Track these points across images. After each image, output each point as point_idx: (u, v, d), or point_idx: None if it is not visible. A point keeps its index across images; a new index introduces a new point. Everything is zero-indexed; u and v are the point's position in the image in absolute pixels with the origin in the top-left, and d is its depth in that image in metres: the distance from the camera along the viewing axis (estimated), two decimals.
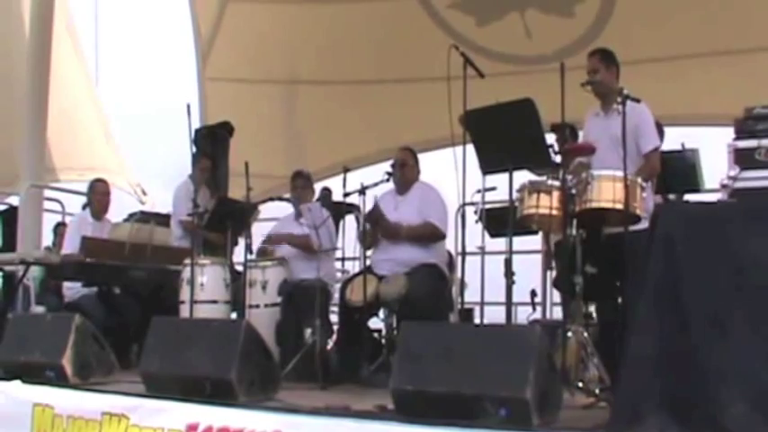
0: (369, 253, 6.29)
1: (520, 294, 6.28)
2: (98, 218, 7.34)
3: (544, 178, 4.89)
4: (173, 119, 6.99)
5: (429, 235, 5.95)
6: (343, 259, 8.07)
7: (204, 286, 6.30)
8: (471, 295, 6.41)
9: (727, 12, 8.34)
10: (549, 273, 7.12)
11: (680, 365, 3.28)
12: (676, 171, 5.72)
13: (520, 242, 5.55)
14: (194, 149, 7.45)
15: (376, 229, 6.01)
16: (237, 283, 6.46)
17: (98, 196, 7.41)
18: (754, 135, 3.91)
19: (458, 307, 6.59)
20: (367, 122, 10.62)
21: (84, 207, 7.79)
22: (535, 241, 7.28)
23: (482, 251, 5.57)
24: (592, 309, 5.53)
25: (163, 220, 7.52)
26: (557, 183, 4.76)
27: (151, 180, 11.37)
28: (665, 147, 5.62)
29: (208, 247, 7.05)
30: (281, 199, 6.99)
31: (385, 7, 9.87)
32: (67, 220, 8.67)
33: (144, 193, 11.07)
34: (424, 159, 6.44)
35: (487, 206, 5.84)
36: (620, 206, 4.55)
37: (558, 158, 4.82)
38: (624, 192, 4.51)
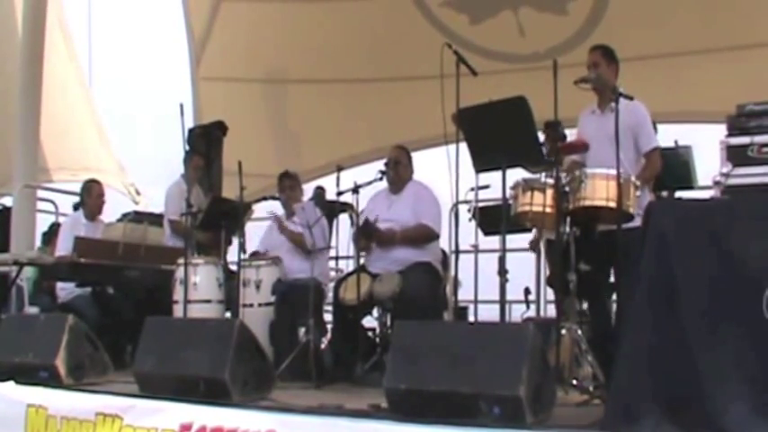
0: (363, 252, 6.29)
1: (514, 292, 6.28)
2: (91, 219, 7.33)
3: (538, 176, 4.90)
4: (166, 118, 6.98)
5: (423, 236, 5.96)
6: (337, 258, 8.05)
7: (197, 286, 6.29)
8: (465, 293, 6.40)
9: (720, 9, 8.36)
10: (542, 270, 7.14)
11: (674, 363, 3.28)
12: (670, 168, 5.71)
13: (513, 240, 5.55)
14: (187, 149, 7.44)
15: (370, 240, 6.01)
16: (231, 282, 6.45)
17: (93, 199, 7.41)
18: (747, 132, 3.92)
19: (452, 305, 6.59)
20: (360, 121, 10.62)
21: (75, 207, 7.76)
22: (529, 239, 7.28)
23: (476, 249, 5.56)
24: (585, 306, 5.53)
25: (156, 220, 7.51)
26: (550, 180, 4.77)
27: (145, 180, 11.35)
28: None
29: (201, 247, 7.04)
30: (274, 198, 6.98)
31: (378, 6, 9.87)
32: (61, 220, 8.66)
33: (137, 193, 11.04)
34: (418, 158, 6.44)
35: (481, 204, 5.85)
36: (613, 204, 4.56)
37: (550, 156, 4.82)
38: (617, 190, 4.51)
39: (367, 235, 5.97)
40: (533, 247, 7.02)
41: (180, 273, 6.23)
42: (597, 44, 5.45)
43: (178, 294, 6.22)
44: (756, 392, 3.16)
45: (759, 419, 3.12)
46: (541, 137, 4.84)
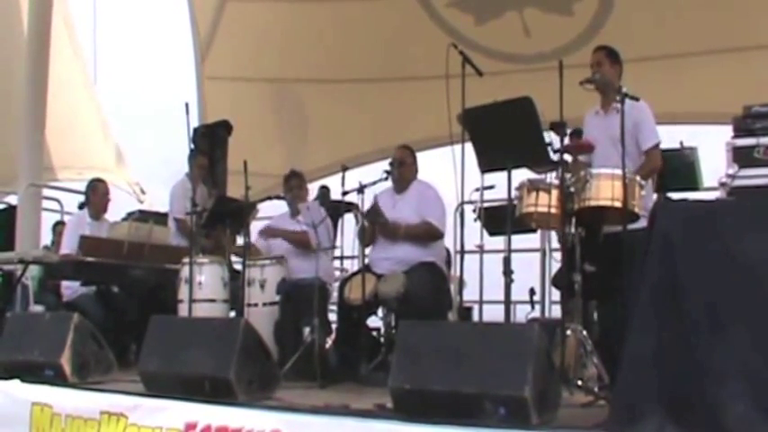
0: (367, 251, 6.29)
1: (518, 293, 6.28)
2: (96, 218, 7.33)
3: (543, 176, 4.89)
4: (171, 117, 6.99)
5: (427, 234, 5.95)
6: (341, 258, 8.08)
7: (203, 285, 6.28)
8: (470, 294, 6.41)
9: (726, 10, 8.35)
10: (547, 271, 7.13)
11: (678, 364, 3.28)
12: (675, 169, 5.72)
13: (518, 241, 5.55)
14: (192, 148, 7.45)
15: (374, 226, 6.01)
16: (236, 281, 6.46)
17: (98, 197, 7.41)
18: (753, 133, 3.92)
19: (456, 305, 6.59)
20: (366, 121, 10.63)
21: (80, 206, 7.78)
22: (534, 240, 7.28)
23: (481, 249, 5.57)
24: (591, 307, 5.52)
25: (161, 219, 7.51)
26: (555, 181, 4.77)
27: (150, 179, 11.38)
28: (664, 145, 5.61)
29: (206, 247, 7.04)
30: (279, 198, 6.98)
31: (384, 6, 9.87)
32: (66, 219, 8.67)
33: (143, 192, 11.07)
34: (423, 158, 6.44)
35: (486, 204, 5.84)
36: (618, 204, 4.56)
37: (556, 157, 4.81)
38: (623, 190, 4.51)
39: (372, 218, 5.96)
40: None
41: (185, 272, 6.22)
42: (601, 44, 5.46)
43: (183, 293, 6.22)
44: (761, 393, 3.15)
45: (763, 420, 3.11)
46: (553, 137, 4.81)
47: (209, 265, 6.41)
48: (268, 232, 6.83)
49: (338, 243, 6.89)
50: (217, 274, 6.40)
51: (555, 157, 4.77)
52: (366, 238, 6.16)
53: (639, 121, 5.07)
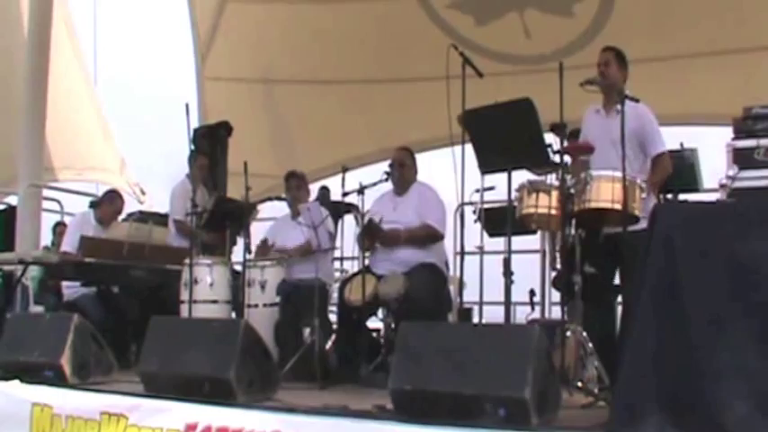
0: (367, 252, 6.29)
1: (518, 294, 6.28)
2: (101, 223, 7.33)
3: (543, 178, 4.89)
4: (171, 118, 7.00)
5: (427, 237, 5.95)
6: (341, 259, 8.07)
7: (213, 286, 6.28)
8: (470, 295, 6.41)
9: (726, 11, 8.35)
10: (547, 272, 7.12)
11: (679, 365, 3.28)
12: (675, 171, 5.71)
13: (519, 242, 5.55)
14: (192, 149, 7.45)
15: (374, 239, 6.01)
16: (236, 282, 6.45)
17: (110, 211, 7.42)
18: (753, 135, 3.93)
19: (456, 306, 6.58)
20: (366, 122, 10.62)
21: (91, 204, 7.76)
22: (534, 241, 7.28)
23: (481, 251, 5.56)
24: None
25: (161, 219, 7.52)
26: (556, 182, 4.77)
27: (150, 180, 11.38)
28: None
29: (206, 247, 7.05)
30: (279, 198, 6.98)
31: (384, 7, 9.87)
32: (66, 219, 8.67)
33: (143, 193, 11.06)
34: (423, 159, 6.44)
35: (486, 206, 5.84)
36: (618, 206, 4.56)
37: (556, 158, 4.81)
38: (623, 192, 4.51)
39: (371, 235, 5.97)
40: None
41: (193, 272, 6.20)
42: (610, 45, 5.45)
43: (194, 294, 6.19)
44: (761, 393, 3.15)
45: (763, 421, 3.11)
46: (549, 138, 4.81)
47: (218, 265, 6.41)
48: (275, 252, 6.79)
49: (338, 244, 6.88)
50: (225, 275, 6.41)
51: (555, 158, 4.78)
52: (365, 245, 6.15)
53: (644, 128, 5.06)
